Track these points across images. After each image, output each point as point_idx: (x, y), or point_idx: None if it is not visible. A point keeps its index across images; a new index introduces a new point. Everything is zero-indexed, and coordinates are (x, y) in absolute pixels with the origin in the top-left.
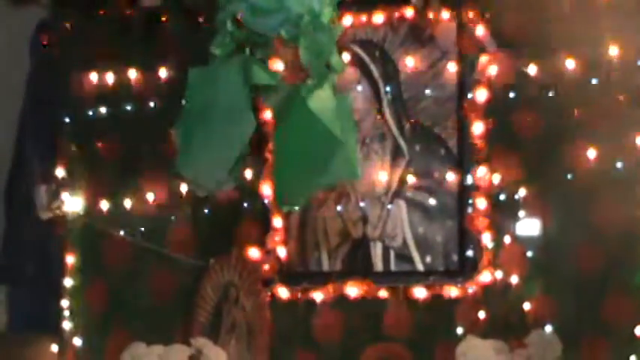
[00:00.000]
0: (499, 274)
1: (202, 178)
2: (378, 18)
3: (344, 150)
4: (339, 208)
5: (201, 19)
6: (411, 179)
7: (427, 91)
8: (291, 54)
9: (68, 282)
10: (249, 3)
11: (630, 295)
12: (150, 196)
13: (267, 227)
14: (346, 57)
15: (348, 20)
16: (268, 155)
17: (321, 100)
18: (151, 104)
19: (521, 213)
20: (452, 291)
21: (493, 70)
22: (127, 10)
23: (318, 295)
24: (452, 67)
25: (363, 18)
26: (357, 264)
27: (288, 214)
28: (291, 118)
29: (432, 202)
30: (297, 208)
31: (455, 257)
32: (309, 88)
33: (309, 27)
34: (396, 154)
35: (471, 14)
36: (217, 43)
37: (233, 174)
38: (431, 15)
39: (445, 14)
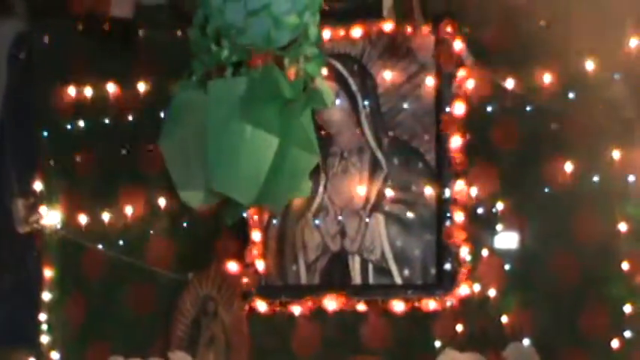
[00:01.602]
0: (477, 288)
1: (236, 192)
2: (356, 32)
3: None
4: (317, 221)
5: (179, 32)
6: (389, 192)
7: (405, 105)
8: (296, 69)
9: (46, 295)
10: (273, 17)
11: (607, 308)
12: (128, 210)
13: (245, 241)
14: (324, 71)
15: (326, 34)
16: None
17: (307, 115)
18: (130, 118)
19: (499, 226)
20: (430, 304)
21: (471, 84)
22: (105, 23)
23: (296, 309)
24: (430, 81)
25: (341, 32)
26: (336, 277)
27: (266, 227)
28: (282, 130)
29: (410, 215)
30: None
31: (433, 270)
32: (304, 103)
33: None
34: (374, 167)
35: (448, 28)
36: (217, 56)
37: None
38: (408, 28)
39: (424, 28)
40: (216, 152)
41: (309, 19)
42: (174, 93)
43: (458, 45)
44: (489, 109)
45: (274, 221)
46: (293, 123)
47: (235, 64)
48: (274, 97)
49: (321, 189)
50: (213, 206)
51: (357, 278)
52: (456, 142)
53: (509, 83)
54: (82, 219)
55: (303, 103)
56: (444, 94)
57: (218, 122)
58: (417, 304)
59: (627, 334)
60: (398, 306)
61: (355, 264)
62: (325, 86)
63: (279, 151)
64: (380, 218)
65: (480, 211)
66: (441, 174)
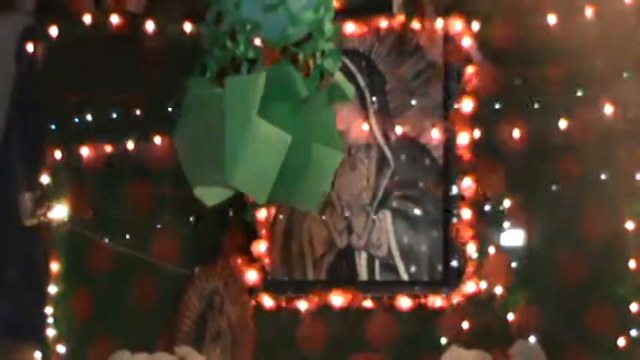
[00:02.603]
0: (483, 285)
1: (252, 188)
2: (365, 28)
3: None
4: (324, 217)
5: (188, 27)
6: (396, 189)
7: (413, 101)
8: (312, 65)
9: (52, 289)
10: (290, 13)
11: (613, 306)
12: (135, 204)
13: (252, 236)
14: None
15: None
16: None
17: (330, 111)
18: (137, 112)
19: (506, 224)
20: (436, 301)
21: (479, 81)
22: (114, 17)
23: (302, 304)
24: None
25: (350, 28)
26: (342, 273)
27: (273, 222)
28: (303, 127)
29: (417, 212)
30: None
31: (439, 267)
32: (326, 98)
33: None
34: (382, 163)
35: (457, 25)
36: (232, 52)
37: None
38: (417, 24)
39: (433, 24)
40: (233, 149)
41: (324, 14)
42: (186, 89)
43: (466, 42)
44: (497, 106)
45: (281, 217)
46: (314, 120)
47: (250, 61)
48: (288, 93)
49: None
50: (221, 201)
51: (363, 274)
52: (463, 139)
53: (518, 80)
54: (89, 212)
55: (325, 98)
56: (451, 91)
57: (236, 118)
58: (423, 300)
59: (633, 332)
60: (404, 302)
61: (362, 260)
62: (345, 80)
63: (303, 150)
64: (387, 214)
65: (487, 208)
66: (449, 171)
